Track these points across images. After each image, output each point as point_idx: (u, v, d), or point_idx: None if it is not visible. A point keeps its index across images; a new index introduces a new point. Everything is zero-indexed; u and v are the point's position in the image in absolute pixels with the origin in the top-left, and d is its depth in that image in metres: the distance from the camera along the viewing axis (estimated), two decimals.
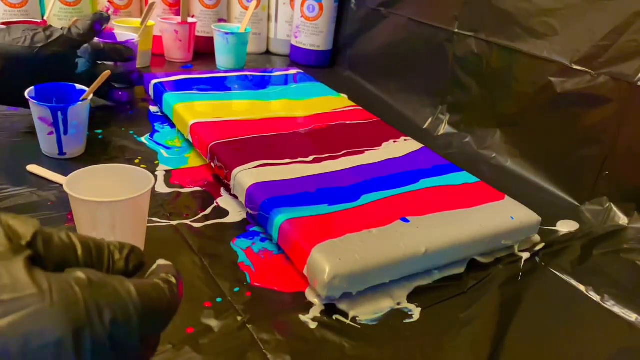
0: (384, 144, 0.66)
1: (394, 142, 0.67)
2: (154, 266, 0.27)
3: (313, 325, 0.42)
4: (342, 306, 0.44)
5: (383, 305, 0.45)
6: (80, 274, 0.22)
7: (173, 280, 0.26)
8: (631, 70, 0.58)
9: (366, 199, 0.53)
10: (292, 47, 1.14)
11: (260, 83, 0.85)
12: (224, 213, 0.55)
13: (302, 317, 0.43)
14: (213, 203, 0.57)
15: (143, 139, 0.69)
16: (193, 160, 0.65)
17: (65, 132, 0.60)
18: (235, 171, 0.55)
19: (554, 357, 0.42)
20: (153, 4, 0.92)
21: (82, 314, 0.21)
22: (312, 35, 1.09)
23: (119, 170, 0.46)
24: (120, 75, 0.76)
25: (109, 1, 1.02)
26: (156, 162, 0.64)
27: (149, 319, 0.24)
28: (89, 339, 0.21)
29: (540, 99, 0.68)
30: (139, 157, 0.64)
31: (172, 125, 0.73)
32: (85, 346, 0.21)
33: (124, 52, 0.75)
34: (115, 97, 0.78)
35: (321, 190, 0.53)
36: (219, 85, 0.81)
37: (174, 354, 0.37)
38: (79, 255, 0.25)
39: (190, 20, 1.04)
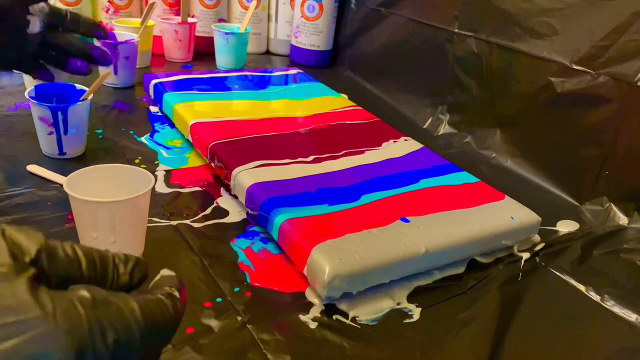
0: (384, 144, 0.66)
1: (394, 142, 0.67)
2: (158, 277, 0.27)
3: (313, 325, 0.42)
4: (342, 306, 0.44)
5: (383, 305, 0.45)
6: (84, 292, 0.22)
7: (177, 294, 0.26)
8: (631, 70, 0.58)
9: (366, 199, 0.53)
10: (292, 47, 1.14)
11: (260, 83, 0.85)
12: (224, 213, 0.55)
13: (302, 317, 0.43)
14: (213, 203, 0.57)
15: (143, 139, 0.69)
16: (193, 160, 0.65)
17: (65, 132, 0.60)
18: (235, 171, 0.55)
19: (554, 357, 0.42)
20: (153, 4, 0.92)
21: (86, 335, 0.21)
22: (312, 35, 1.09)
23: (119, 170, 0.46)
24: (80, 47, 0.61)
25: (109, 1, 1.02)
26: (156, 162, 0.64)
27: (152, 337, 0.24)
28: (92, 359, 0.21)
29: (540, 99, 0.68)
30: (139, 157, 0.64)
31: (172, 125, 0.73)
32: None
33: (92, 27, 0.62)
34: (73, 67, 0.63)
35: (321, 190, 0.53)
36: (219, 85, 0.81)
37: (174, 354, 0.37)
38: (84, 269, 0.25)
39: (190, 20, 1.04)
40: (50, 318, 0.21)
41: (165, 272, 0.27)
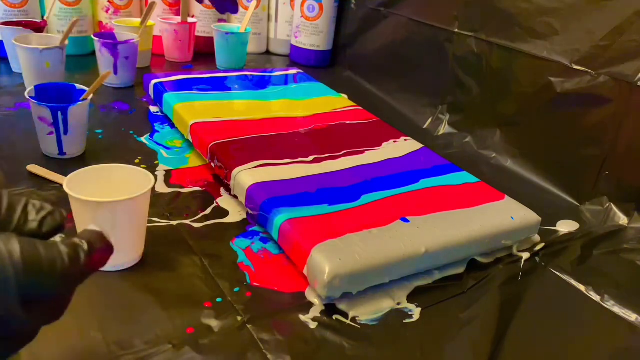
0: (384, 144, 0.66)
1: (394, 142, 0.67)
2: (80, 230, 0.26)
3: (313, 325, 0.42)
4: (342, 306, 0.44)
5: (383, 305, 0.45)
6: None
7: (84, 246, 0.25)
8: (631, 70, 0.58)
9: (366, 199, 0.53)
10: (292, 47, 1.14)
11: (260, 83, 0.85)
12: (224, 213, 0.55)
13: (302, 317, 0.43)
14: (213, 203, 0.57)
15: (143, 139, 0.69)
16: (193, 160, 0.65)
17: (65, 132, 0.60)
18: (235, 171, 0.55)
19: (554, 357, 0.42)
20: (153, 4, 0.92)
21: None
22: (312, 35, 1.09)
23: (119, 170, 0.46)
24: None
25: (109, 1, 1.02)
26: (156, 162, 0.64)
27: (32, 280, 0.23)
28: None
29: (540, 99, 0.68)
30: (139, 157, 0.64)
31: (172, 125, 0.73)
32: None
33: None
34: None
35: (321, 190, 0.53)
36: (219, 85, 0.81)
37: (174, 354, 0.37)
38: None
39: (190, 20, 1.04)
40: None
41: (91, 226, 0.26)
